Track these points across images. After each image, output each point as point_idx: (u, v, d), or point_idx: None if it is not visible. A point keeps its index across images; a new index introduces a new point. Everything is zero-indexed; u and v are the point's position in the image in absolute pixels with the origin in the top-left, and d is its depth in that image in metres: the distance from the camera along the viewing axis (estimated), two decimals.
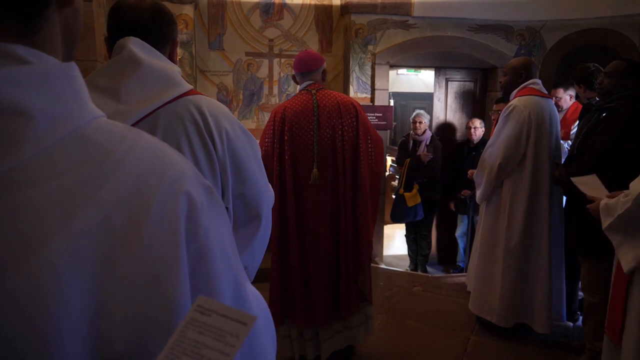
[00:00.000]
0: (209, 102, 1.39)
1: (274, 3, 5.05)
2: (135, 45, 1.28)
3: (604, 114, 2.82)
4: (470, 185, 4.30)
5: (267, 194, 1.53)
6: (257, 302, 0.67)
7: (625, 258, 2.01)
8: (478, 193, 3.38)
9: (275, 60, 5.15)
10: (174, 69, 1.35)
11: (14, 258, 0.42)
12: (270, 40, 5.10)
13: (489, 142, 3.33)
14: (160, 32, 1.39)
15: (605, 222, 2.11)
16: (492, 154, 3.19)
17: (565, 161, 3.11)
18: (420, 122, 5.14)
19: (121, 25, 1.35)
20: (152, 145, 0.55)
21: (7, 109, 0.45)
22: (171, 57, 1.42)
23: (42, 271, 0.43)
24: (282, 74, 5.18)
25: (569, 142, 3.85)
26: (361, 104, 2.93)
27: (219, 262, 0.56)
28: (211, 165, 1.35)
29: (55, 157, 0.47)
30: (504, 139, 3.14)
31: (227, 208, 1.45)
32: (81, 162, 0.48)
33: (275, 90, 5.18)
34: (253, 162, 1.46)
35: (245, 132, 1.45)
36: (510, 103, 3.21)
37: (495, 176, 3.18)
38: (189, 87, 1.37)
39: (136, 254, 0.48)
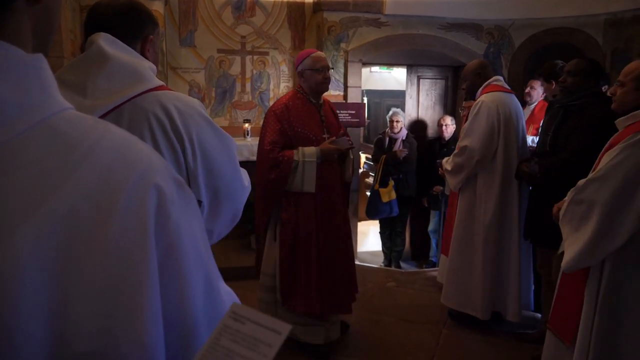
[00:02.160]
0: (177, 99, 1.35)
1: (245, 0, 5.01)
2: (105, 41, 1.26)
3: (569, 111, 2.90)
4: (442, 181, 4.36)
5: (239, 193, 1.50)
6: (229, 299, 0.65)
7: (567, 251, 2.09)
8: (452, 181, 3.39)
9: (248, 58, 5.11)
10: (144, 65, 1.32)
11: None
12: (243, 37, 5.07)
13: (460, 141, 3.33)
14: (127, 28, 1.36)
15: (560, 216, 2.20)
16: (471, 149, 3.21)
17: (534, 157, 3.15)
18: (398, 121, 5.20)
19: (91, 23, 1.36)
20: (121, 137, 0.55)
21: None
22: (143, 54, 1.39)
23: (7, 260, 0.42)
24: (254, 71, 5.15)
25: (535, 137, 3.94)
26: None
27: (190, 258, 0.55)
28: (177, 165, 1.32)
29: (21, 147, 0.46)
30: (479, 135, 3.19)
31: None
32: (48, 153, 0.47)
33: (248, 87, 5.15)
34: (226, 161, 1.42)
35: (215, 130, 1.41)
36: (477, 100, 3.28)
37: (471, 170, 3.25)
38: (159, 83, 1.34)
39: (103, 246, 0.47)
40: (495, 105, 3.19)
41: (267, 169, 2.79)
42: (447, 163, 3.43)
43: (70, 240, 0.45)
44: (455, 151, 3.36)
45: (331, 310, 2.94)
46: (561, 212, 2.20)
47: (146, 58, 1.39)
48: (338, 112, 3.41)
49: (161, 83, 1.36)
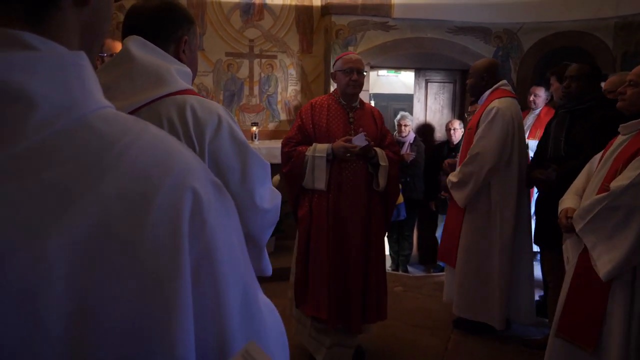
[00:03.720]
0: (197, 103, 1.30)
1: (254, 3, 5.03)
2: (134, 44, 1.26)
3: (575, 116, 2.89)
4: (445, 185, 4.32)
5: (247, 212, 1.35)
6: (269, 312, 0.63)
7: (599, 260, 2.06)
8: (458, 195, 3.29)
9: (256, 61, 5.13)
10: (169, 68, 1.29)
11: (9, 247, 0.41)
12: (251, 40, 5.08)
13: (473, 149, 3.19)
14: (158, 31, 1.35)
15: (579, 225, 2.17)
16: (483, 156, 3.12)
17: (551, 164, 3.06)
18: (406, 125, 5.19)
19: (125, 25, 1.36)
20: (158, 137, 0.53)
21: (10, 94, 0.44)
22: (177, 56, 1.37)
23: (34, 262, 0.42)
24: (262, 75, 5.16)
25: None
26: None
27: (226, 265, 0.52)
28: None
29: (56, 145, 0.45)
30: (493, 142, 3.11)
31: None
32: (82, 151, 0.46)
33: (256, 90, 5.16)
34: (235, 171, 1.33)
35: (234, 137, 1.33)
36: (491, 106, 3.17)
37: (482, 180, 3.15)
38: (183, 86, 1.30)
39: (134, 251, 0.45)
40: (510, 113, 3.14)
41: (283, 163, 2.89)
42: (453, 175, 3.32)
43: (100, 242, 0.44)
44: (465, 160, 3.24)
45: (339, 322, 2.81)
46: (577, 220, 2.17)
47: (181, 60, 1.37)
48: None
49: (187, 87, 1.31)
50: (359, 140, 2.71)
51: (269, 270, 1.51)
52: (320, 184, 2.76)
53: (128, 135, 0.50)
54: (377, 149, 2.84)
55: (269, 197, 1.44)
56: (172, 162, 0.51)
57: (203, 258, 0.50)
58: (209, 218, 0.51)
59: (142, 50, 1.26)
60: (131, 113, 1.21)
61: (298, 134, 2.86)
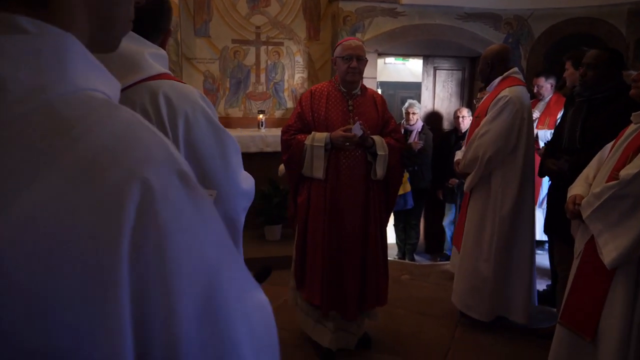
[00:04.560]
0: (170, 88, 1.27)
1: None
2: None
3: (593, 105, 2.82)
4: (458, 173, 4.30)
5: (232, 197, 1.36)
6: (259, 315, 0.57)
7: (605, 248, 2.05)
8: (467, 180, 3.34)
9: (263, 48, 5.09)
10: (143, 52, 1.26)
11: None
12: (257, 27, 5.04)
13: (479, 131, 3.18)
14: (156, 21, 1.33)
15: (586, 212, 2.15)
16: (482, 145, 3.11)
17: (564, 154, 3.02)
18: (414, 114, 5.14)
19: None
20: (123, 122, 0.48)
21: None
22: (163, 46, 1.37)
23: None
24: (269, 62, 5.12)
25: (551, 131, 3.88)
26: None
27: (181, 263, 0.46)
28: None
29: (17, 129, 0.43)
30: (496, 131, 3.08)
31: None
32: (36, 138, 0.43)
33: (263, 78, 5.13)
34: (216, 157, 1.32)
35: (210, 122, 1.31)
36: (502, 94, 3.12)
37: (484, 168, 3.14)
38: (157, 70, 1.27)
39: (69, 248, 0.41)
40: (520, 103, 3.08)
41: (282, 150, 2.89)
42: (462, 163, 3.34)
43: (38, 235, 0.41)
44: (467, 146, 3.26)
45: (333, 309, 2.81)
46: (585, 207, 2.15)
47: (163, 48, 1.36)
48: None
49: (161, 71, 1.29)
50: (357, 129, 2.67)
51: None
52: (319, 173, 2.75)
53: (88, 120, 0.46)
54: (376, 137, 2.79)
55: (245, 179, 1.45)
56: (129, 149, 0.46)
57: (154, 257, 0.45)
58: (161, 212, 0.45)
59: None
60: None
61: (297, 122, 2.83)
